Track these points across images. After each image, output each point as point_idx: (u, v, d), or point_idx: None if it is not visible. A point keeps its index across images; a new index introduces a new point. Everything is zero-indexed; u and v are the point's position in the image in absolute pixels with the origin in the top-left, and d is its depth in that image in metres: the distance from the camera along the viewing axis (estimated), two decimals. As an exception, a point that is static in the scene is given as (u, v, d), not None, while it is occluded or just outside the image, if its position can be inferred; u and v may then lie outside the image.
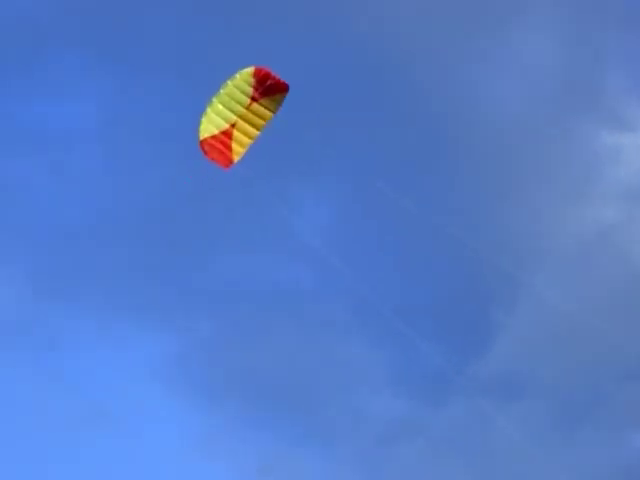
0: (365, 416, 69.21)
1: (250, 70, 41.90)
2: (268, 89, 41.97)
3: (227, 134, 42.14)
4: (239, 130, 42.34)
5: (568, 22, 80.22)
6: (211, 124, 42.08)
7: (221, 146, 42.21)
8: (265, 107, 42.25)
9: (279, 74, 42.32)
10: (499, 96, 77.92)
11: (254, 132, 42.45)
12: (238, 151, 42.31)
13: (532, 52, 79.63)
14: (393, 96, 78.03)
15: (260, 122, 42.33)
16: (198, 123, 42.47)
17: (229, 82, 42.02)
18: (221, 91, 42.04)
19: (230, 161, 42.32)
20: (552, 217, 72.48)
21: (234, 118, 42.19)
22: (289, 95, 42.28)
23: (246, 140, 42.33)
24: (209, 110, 42.03)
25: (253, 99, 41.98)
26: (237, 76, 41.91)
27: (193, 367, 72.60)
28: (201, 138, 42.12)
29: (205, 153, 42.25)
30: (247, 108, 42.10)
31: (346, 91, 79.55)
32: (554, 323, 64.92)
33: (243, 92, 42.01)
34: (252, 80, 41.89)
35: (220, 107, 42.12)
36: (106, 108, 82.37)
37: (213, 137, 42.07)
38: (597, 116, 77.96)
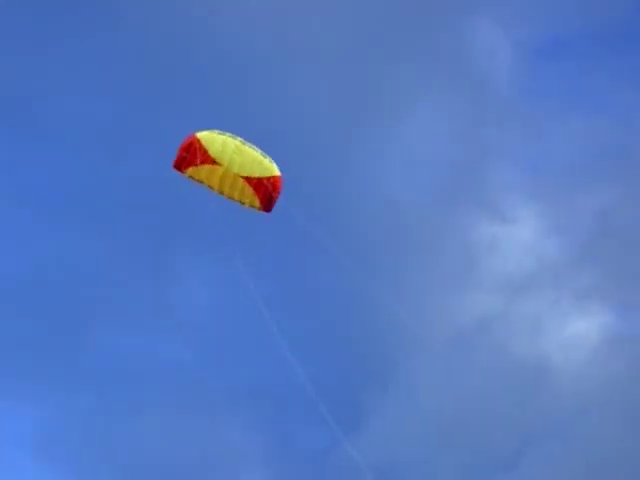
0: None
1: (275, 172, 42.14)
2: (263, 194, 42.14)
3: (208, 161, 41.61)
4: (214, 172, 41.89)
5: (455, 119, 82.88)
6: (214, 142, 41.56)
7: (196, 156, 41.59)
8: (242, 194, 42.23)
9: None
10: (387, 187, 79.65)
11: (216, 187, 42.12)
12: (193, 176, 41.79)
13: (420, 146, 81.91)
14: (286, 177, 79.08)
15: (226, 191, 42.13)
16: (209, 129, 41.81)
17: (257, 153, 41.89)
18: (245, 146, 41.78)
19: (181, 169, 41.64)
20: (431, 305, 73.63)
21: (225, 164, 41.73)
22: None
23: (206, 180, 41.86)
24: (227, 138, 41.68)
25: (247, 179, 42.01)
26: (266, 161, 41.98)
27: (68, 442, 71.65)
28: (198, 135, 41.48)
29: (184, 142, 41.57)
30: (234, 177, 42.03)
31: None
32: (427, 410, 65.66)
33: (251, 168, 42.11)
34: (267, 176, 42.14)
35: (231, 149, 41.71)
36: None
37: (201, 148, 41.54)
38: (478, 208, 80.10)
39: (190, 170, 41.72)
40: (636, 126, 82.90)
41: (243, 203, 42.21)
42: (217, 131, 41.89)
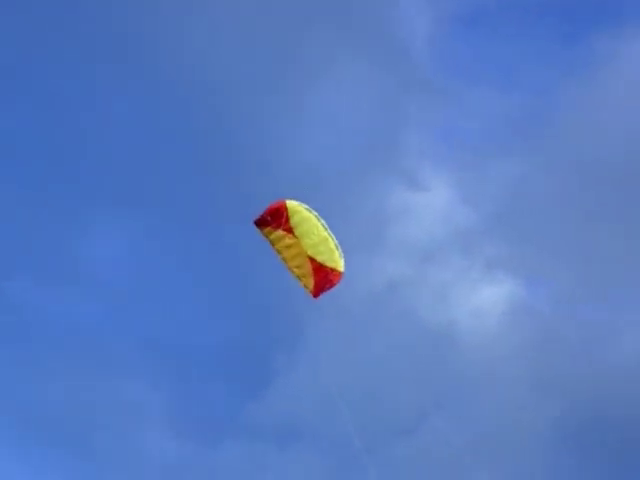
0: (141, 455, 68.64)
1: (339, 267, 42.55)
2: (320, 280, 42.55)
3: (285, 228, 42.30)
4: (285, 240, 42.61)
5: (372, 83, 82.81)
6: (297, 214, 42.31)
7: (276, 220, 42.37)
8: (301, 270, 42.70)
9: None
10: (304, 153, 79.64)
11: (281, 254, 42.88)
12: (267, 235, 42.51)
13: (337, 108, 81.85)
14: (202, 142, 78.90)
15: (289, 262, 42.80)
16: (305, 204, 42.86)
17: (332, 242, 42.40)
18: (324, 231, 42.49)
19: (258, 224, 42.45)
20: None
21: (298, 237, 42.49)
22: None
23: (275, 244, 42.71)
24: (312, 216, 42.48)
25: (311, 259, 42.50)
26: (337, 252, 42.52)
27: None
28: (287, 202, 42.43)
29: (272, 205, 42.52)
30: (301, 252, 42.54)
31: (154, 136, 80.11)
32: (333, 372, 65.69)
33: (320, 251, 42.51)
34: (330, 266, 42.50)
35: (309, 227, 42.44)
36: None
37: (285, 215, 42.34)
38: (393, 175, 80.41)
39: (266, 230, 42.41)
40: (551, 99, 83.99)
41: (300, 280, 42.84)
42: (305, 206, 42.57)
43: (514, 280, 76.14)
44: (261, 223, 42.31)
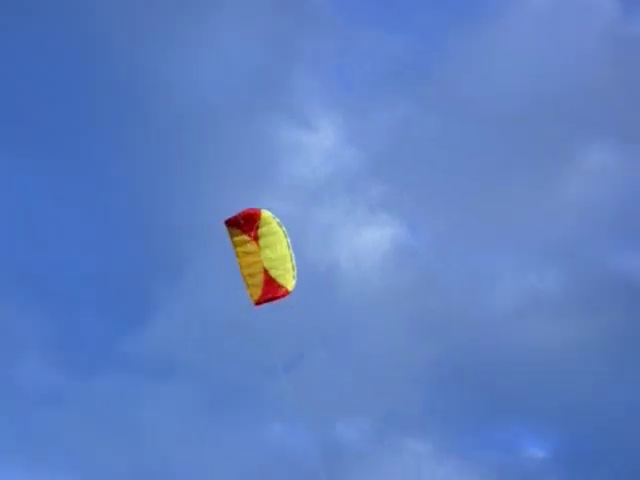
0: (14, 385, 67.75)
1: (289, 286, 43.35)
2: (267, 290, 43.31)
3: (251, 234, 43.06)
4: (246, 245, 43.35)
5: (264, 21, 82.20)
6: (267, 224, 43.16)
7: (247, 224, 43.14)
8: (252, 279, 43.33)
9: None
10: (192, 82, 78.81)
11: (238, 257, 43.51)
12: (232, 235, 43.16)
13: (229, 45, 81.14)
14: (91, 78, 77.91)
15: (244, 268, 43.51)
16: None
17: (290, 261, 43.31)
18: (287, 248, 43.33)
19: (228, 224, 43.14)
20: (229, 204, 73.29)
21: (260, 246, 43.25)
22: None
23: (236, 246, 43.37)
24: (280, 231, 43.31)
25: (265, 271, 43.23)
26: (291, 272, 43.40)
27: None
28: (262, 212, 43.38)
29: (248, 210, 43.38)
30: (258, 261, 43.28)
31: (48, 69, 78.47)
32: (212, 310, 65.75)
33: (276, 266, 43.25)
34: (281, 282, 43.26)
35: (274, 241, 43.22)
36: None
37: (256, 222, 43.20)
38: (282, 113, 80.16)
39: (234, 231, 43.13)
40: (441, 44, 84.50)
41: (247, 287, 43.48)
42: (278, 220, 43.40)
43: (397, 223, 76.93)
44: (232, 224, 43.02)
